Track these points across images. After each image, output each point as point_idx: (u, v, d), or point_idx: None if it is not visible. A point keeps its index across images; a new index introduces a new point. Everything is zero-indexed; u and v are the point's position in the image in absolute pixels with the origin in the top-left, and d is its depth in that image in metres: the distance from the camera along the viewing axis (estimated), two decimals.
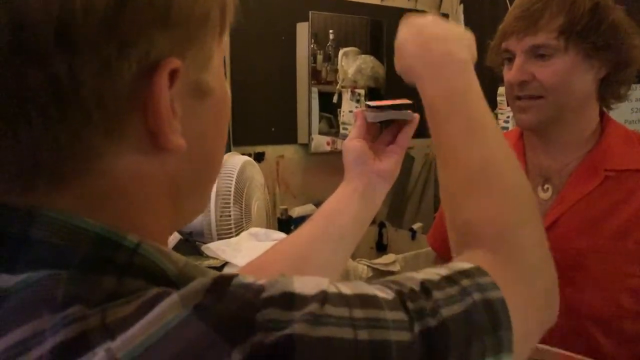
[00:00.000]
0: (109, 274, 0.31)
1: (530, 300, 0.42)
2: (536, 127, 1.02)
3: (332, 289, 0.32)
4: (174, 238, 1.31)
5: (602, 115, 1.05)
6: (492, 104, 2.44)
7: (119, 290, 0.30)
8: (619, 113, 1.92)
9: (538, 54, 0.96)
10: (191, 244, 1.34)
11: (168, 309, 0.29)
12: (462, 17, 2.88)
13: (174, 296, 0.29)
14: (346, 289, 0.33)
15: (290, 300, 0.30)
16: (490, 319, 0.36)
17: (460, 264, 0.39)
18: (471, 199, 0.47)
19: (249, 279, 0.31)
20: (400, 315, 0.32)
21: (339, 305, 0.31)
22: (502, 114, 2.32)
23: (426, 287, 0.35)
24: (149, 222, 0.36)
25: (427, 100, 0.57)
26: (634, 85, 1.90)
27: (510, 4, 2.67)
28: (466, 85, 0.55)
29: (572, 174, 1.01)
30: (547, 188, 1.04)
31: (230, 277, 0.31)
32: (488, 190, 0.47)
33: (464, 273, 0.37)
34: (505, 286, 0.38)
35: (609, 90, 1.02)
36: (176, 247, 1.30)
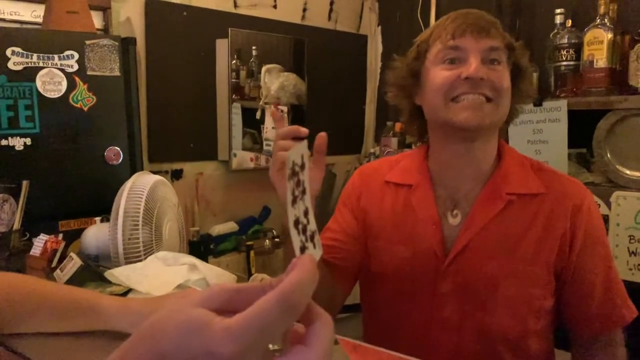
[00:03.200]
0: None
1: None
2: (483, 127, 1.00)
3: None
4: (74, 264, 1.24)
5: (499, 141, 1.10)
6: None
7: None
8: (522, 133, 2.04)
9: (491, 58, 0.99)
10: (92, 270, 1.27)
11: None
12: (380, 38, 2.97)
13: None
14: None
15: None
16: None
17: None
18: None
19: None
20: None
21: None
22: None
23: None
24: None
25: None
26: (534, 108, 2.03)
27: (425, 27, 2.79)
28: None
29: (478, 198, 1.04)
30: (456, 214, 1.06)
31: None
32: None
33: None
34: None
35: (508, 120, 1.08)
36: (76, 274, 1.23)
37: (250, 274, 2.37)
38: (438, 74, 1.01)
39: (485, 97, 0.98)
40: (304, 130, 0.94)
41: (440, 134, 1.08)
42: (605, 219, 1.79)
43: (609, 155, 1.84)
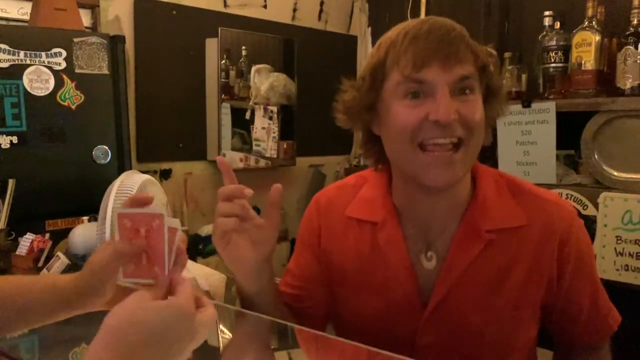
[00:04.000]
0: None
1: None
2: (454, 182, 0.86)
3: None
4: (61, 263, 1.22)
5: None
6: None
7: None
8: (511, 134, 2.05)
9: (462, 86, 0.82)
10: (80, 269, 1.26)
11: None
12: (370, 39, 2.97)
13: None
14: None
15: None
16: None
17: None
18: None
19: None
20: None
21: None
22: None
23: None
24: None
25: None
26: (523, 110, 2.05)
27: None
28: None
29: (455, 239, 0.91)
30: (431, 256, 0.93)
31: None
32: None
33: None
34: None
35: None
36: (63, 273, 1.22)
37: None
38: (400, 112, 0.84)
39: (457, 138, 0.83)
40: (248, 192, 0.81)
41: (404, 179, 0.93)
42: (593, 219, 1.81)
43: (596, 157, 1.86)
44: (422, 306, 0.92)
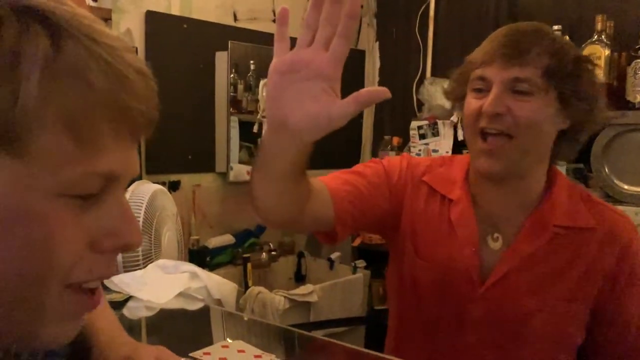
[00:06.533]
0: None
1: None
2: (499, 175, 0.96)
3: None
4: None
5: (550, 167, 1.02)
6: (406, 136, 2.54)
7: None
8: None
9: (517, 89, 0.91)
10: None
11: None
12: (377, 54, 2.99)
13: None
14: None
15: None
16: None
17: None
18: None
19: None
20: None
21: None
22: (414, 147, 2.40)
23: None
24: None
25: None
26: None
27: (422, 43, 2.78)
28: None
29: (523, 227, 0.98)
30: (497, 237, 1.00)
31: None
32: None
33: None
34: None
35: (564, 147, 0.99)
36: None
37: (247, 287, 2.35)
38: (469, 102, 0.97)
39: (506, 134, 0.91)
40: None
41: (473, 166, 1.03)
42: None
43: (606, 170, 1.86)
44: (480, 282, 0.98)
